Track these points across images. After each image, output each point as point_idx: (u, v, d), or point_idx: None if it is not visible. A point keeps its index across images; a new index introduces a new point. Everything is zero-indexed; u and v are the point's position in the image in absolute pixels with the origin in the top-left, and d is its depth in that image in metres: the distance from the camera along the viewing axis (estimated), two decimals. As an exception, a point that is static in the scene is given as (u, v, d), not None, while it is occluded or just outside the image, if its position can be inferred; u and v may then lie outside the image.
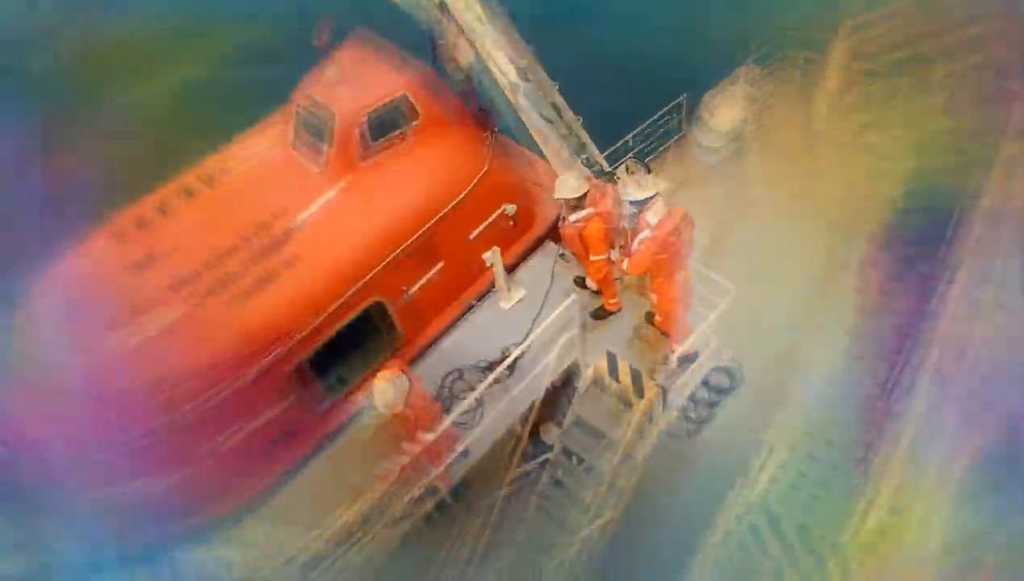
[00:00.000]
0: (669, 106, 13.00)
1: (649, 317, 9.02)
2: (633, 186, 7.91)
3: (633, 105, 13.03)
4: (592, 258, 8.58)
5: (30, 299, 8.03)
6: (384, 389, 6.94)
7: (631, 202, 7.91)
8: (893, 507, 7.40)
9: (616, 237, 8.76)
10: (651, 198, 7.80)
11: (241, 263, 7.87)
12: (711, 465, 9.82)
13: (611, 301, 9.20)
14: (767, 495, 8.55)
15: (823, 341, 11.43)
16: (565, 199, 8.47)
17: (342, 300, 8.06)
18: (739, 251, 12.45)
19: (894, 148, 13.99)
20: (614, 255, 8.82)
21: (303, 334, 7.84)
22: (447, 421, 7.35)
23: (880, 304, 11.76)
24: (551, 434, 8.63)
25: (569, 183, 8.40)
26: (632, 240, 8.01)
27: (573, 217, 8.51)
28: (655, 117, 12.63)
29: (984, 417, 7.96)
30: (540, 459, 8.25)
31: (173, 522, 7.85)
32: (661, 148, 13.57)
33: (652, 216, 7.78)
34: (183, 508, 7.87)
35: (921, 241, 12.23)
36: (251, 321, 7.63)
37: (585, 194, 8.40)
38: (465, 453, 8.01)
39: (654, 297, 8.48)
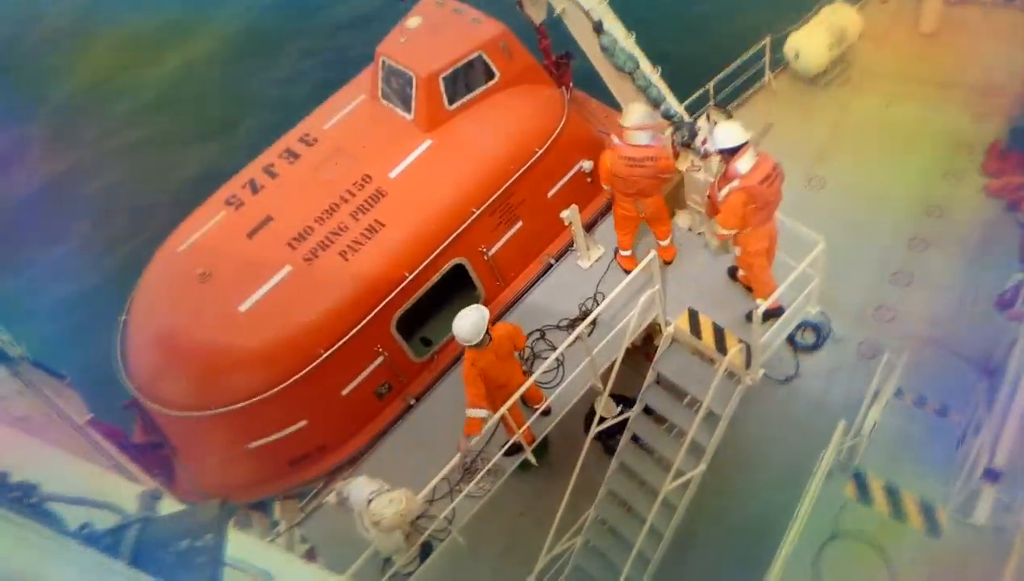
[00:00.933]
0: (751, 51, 12.47)
1: (732, 272, 8.79)
2: (722, 133, 7.40)
3: (712, 51, 12.59)
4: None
5: (153, 272, 8.57)
6: (459, 325, 6.79)
7: (720, 150, 7.42)
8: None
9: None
10: (742, 146, 7.29)
11: (349, 216, 8.25)
12: (798, 423, 9.69)
13: (764, 296, 8.01)
14: (859, 453, 8.35)
15: (918, 294, 11.01)
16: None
17: (431, 257, 8.29)
18: (830, 198, 12.04)
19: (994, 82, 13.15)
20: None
21: (403, 285, 8.14)
22: (529, 380, 7.44)
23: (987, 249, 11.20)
24: (610, 409, 8.54)
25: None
26: (719, 191, 7.59)
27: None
28: (737, 63, 12.16)
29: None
30: (620, 418, 8.25)
31: (298, 473, 8.42)
32: (744, 94, 13.16)
33: (743, 165, 7.29)
34: (305, 459, 8.40)
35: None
36: (359, 272, 8.01)
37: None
38: (547, 412, 8.13)
39: (738, 250, 8.09)
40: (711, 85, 10.87)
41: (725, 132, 7.40)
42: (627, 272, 8.44)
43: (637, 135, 7.82)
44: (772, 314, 8.21)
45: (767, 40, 12.68)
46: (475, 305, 6.95)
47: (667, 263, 8.94)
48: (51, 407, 6.38)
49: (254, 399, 7.73)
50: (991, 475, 6.71)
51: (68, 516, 2.68)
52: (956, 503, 7.43)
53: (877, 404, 8.64)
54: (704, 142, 8.49)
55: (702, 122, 9.15)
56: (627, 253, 8.84)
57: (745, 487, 9.53)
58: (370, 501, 6.42)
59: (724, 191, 7.44)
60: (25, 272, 14.54)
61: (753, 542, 8.03)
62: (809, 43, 13.12)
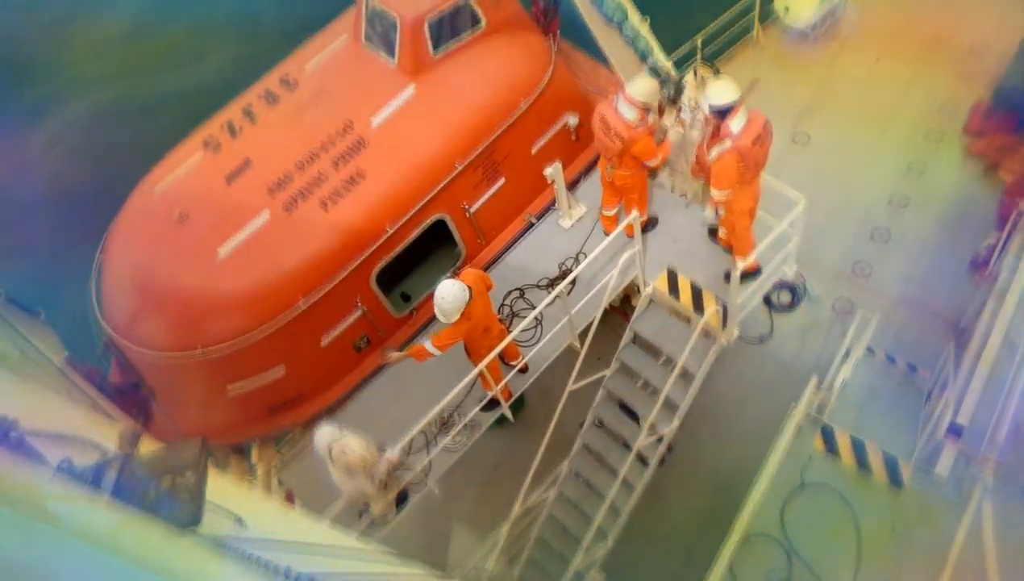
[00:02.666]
0: (740, 4, 12.24)
1: (712, 232, 8.83)
2: (715, 91, 7.16)
3: (701, 4, 12.33)
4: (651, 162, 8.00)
5: (130, 212, 8.43)
6: (446, 293, 6.77)
7: (713, 109, 7.19)
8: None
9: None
10: (734, 104, 7.11)
11: (329, 164, 8.12)
12: (771, 382, 9.91)
13: (746, 258, 7.97)
14: (830, 411, 8.59)
15: (894, 252, 11.16)
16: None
17: (413, 210, 8.22)
18: (813, 155, 12.05)
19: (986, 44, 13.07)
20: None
21: (383, 239, 8.08)
22: (508, 338, 7.51)
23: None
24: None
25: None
26: (708, 151, 7.42)
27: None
28: (726, 16, 11.94)
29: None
30: (597, 376, 8.38)
31: (275, 420, 8.53)
32: (731, 49, 12.96)
33: (735, 124, 7.12)
34: (282, 407, 8.51)
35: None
36: (340, 223, 7.93)
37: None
38: (524, 369, 8.23)
39: (721, 210, 8.03)
40: (699, 39, 10.68)
41: (718, 90, 7.19)
42: (606, 233, 8.45)
43: (624, 105, 7.56)
44: (751, 274, 8.32)
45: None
46: (447, 281, 6.84)
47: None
48: (26, 345, 6.33)
49: (232, 343, 7.75)
50: (954, 430, 6.97)
51: (48, 453, 2.74)
52: (920, 456, 7.71)
53: (848, 362, 8.86)
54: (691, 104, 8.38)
55: (689, 78, 9.05)
56: (608, 212, 8.72)
57: (717, 443, 9.81)
58: (331, 447, 6.52)
59: (714, 152, 7.28)
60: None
61: (723, 494, 8.33)
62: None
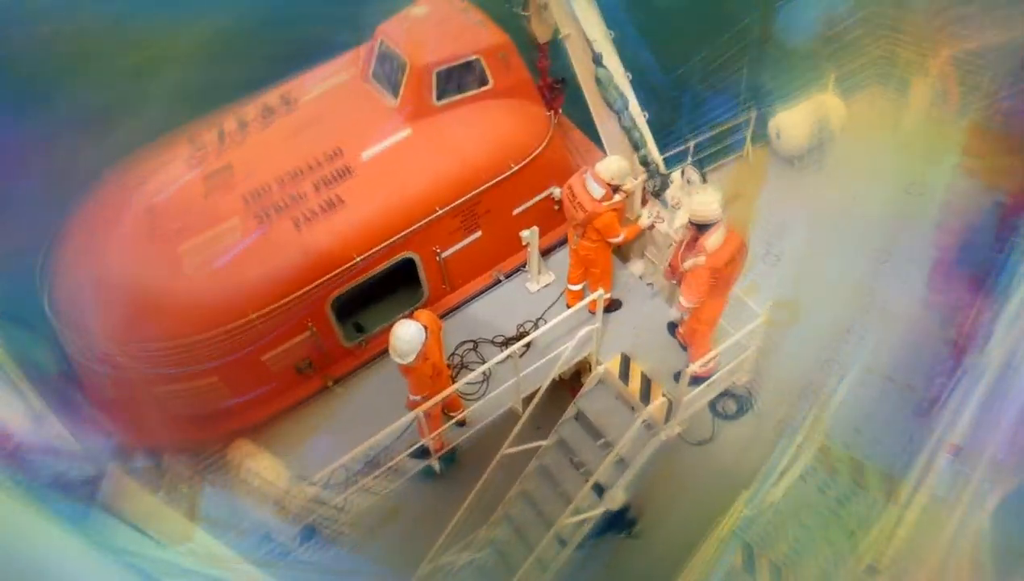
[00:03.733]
0: (736, 120, 12.79)
1: (671, 327, 8.92)
2: (700, 206, 7.22)
3: (700, 114, 12.85)
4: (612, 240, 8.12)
5: (103, 195, 8.32)
6: (402, 336, 6.71)
7: (694, 223, 7.30)
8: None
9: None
10: (715, 224, 7.20)
11: (311, 185, 8.13)
12: (704, 487, 9.83)
13: (701, 361, 7.91)
14: (753, 526, 8.53)
15: (850, 377, 11.31)
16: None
17: (385, 244, 8.20)
18: (782, 275, 12.33)
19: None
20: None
21: (347, 267, 8.02)
22: (452, 388, 7.41)
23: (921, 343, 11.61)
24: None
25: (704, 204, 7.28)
26: (682, 261, 7.51)
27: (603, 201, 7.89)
28: (719, 129, 12.46)
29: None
30: (533, 445, 8.27)
31: (202, 430, 8.22)
32: (720, 160, 13.45)
33: (712, 242, 7.23)
34: (211, 418, 8.24)
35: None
36: (307, 244, 7.87)
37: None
38: (462, 423, 8.10)
39: (686, 314, 8.04)
40: (692, 143, 11.06)
41: (702, 205, 7.23)
42: (568, 306, 8.50)
43: (592, 181, 7.80)
44: (702, 379, 8.35)
45: (752, 114, 13.02)
46: (405, 322, 6.81)
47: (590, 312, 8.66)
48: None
49: (173, 343, 7.54)
50: (871, 570, 6.96)
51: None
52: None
53: (781, 483, 8.85)
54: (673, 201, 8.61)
55: (675, 177, 9.30)
56: (573, 287, 8.74)
57: (642, 539, 9.63)
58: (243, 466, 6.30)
59: (689, 262, 7.37)
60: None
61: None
62: (792, 125, 13.50)
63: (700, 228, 7.28)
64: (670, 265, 7.86)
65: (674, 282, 8.11)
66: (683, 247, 7.62)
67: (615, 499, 8.03)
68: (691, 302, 7.49)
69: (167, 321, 7.62)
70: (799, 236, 13.12)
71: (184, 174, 8.28)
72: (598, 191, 7.76)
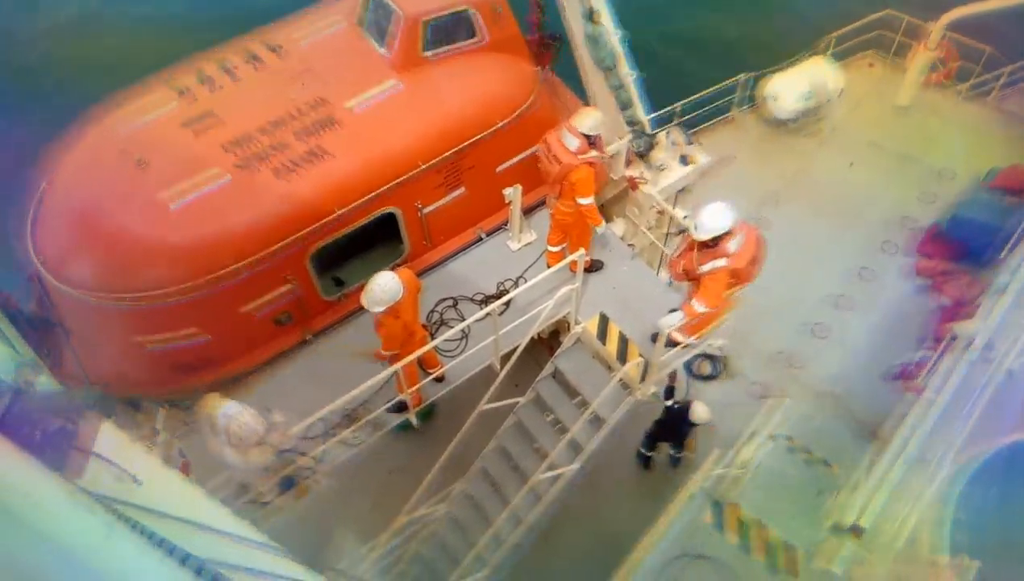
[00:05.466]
0: (726, 82, 12.65)
1: (653, 338, 8.74)
2: (711, 218, 6.89)
3: (694, 76, 12.71)
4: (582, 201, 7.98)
5: (81, 141, 8.21)
6: (377, 283, 6.74)
7: (703, 241, 7.00)
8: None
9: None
10: (727, 233, 6.95)
11: (294, 134, 8.02)
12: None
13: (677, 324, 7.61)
14: (726, 486, 8.71)
15: (830, 350, 11.45)
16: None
17: (367, 198, 8.14)
18: (770, 242, 12.34)
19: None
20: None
21: (328, 220, 7.96)
22: (431, 344, 7.46)
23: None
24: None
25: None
26: (700, 265, 7.20)
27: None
28: (707, 92, 12.34)
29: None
30: (510, 401, 8.37)
31: (182, 379, 8.26)
32: (707, 122, 13.36)
33: (732, 244, 6.98)
34: (191, 367, 8.27)
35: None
36: (288, 195, 7.78)
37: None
38: (440, 379, 8.19)
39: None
40: (679, 105, 10.96)
41: (713, 216, 6.90)
42: (548, 267, 8.51)
43: (568, 135, 7.67)
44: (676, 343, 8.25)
45: (741, 77, 12.89)
46: (385, 272, 6.84)
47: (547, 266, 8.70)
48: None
49: (152, 293, 7.54)
50: (855, 530, 7.11)
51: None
52: (815, 550, 7.83)
53: (750, 444, 9.01)
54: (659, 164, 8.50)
55: (661, 137, 9.24)
56: (553, 248, 8.66)
57: (615, 496, 9.84)
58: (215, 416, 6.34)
59: (708, 266, 7.10)
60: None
61: (612, 547, 8.34)
62: (784, 88, 13.36)
63: (715, 241, 6.99)
64: (684, 269, 7.49)
65: (682, 282, 7.89)
66: (695, 249, 7.28)
67: None
68: (710, 306, 7.27)
69: (147, 269, 7.58)
70: (789, 204, 13.12)
71: (166, 119, 8.13)
72: (573, 143, 7.64)
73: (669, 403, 8.98)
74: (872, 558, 7.20)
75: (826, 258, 12.46)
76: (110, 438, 3.04)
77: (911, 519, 7.34)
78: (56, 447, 2.71)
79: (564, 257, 8.35)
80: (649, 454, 10.02)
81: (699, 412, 8.86)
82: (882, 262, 12.54)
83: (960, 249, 12.57)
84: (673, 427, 9.34)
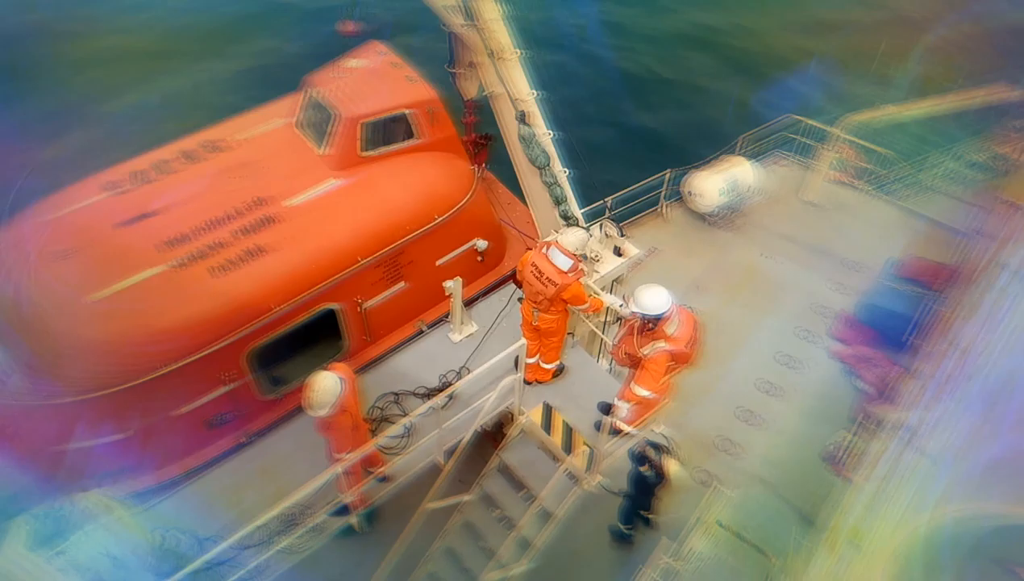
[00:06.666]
0: (653, 177, 13.39)
1: (603, 408, 8.86)
2: (650, 300, 7.18)
3: (621, 173, 13.41)
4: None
5: (9, 237, 7.92)
6: (318, 387, 6.65)
7: (645, 317, 7.25)
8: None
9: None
10: (668, 312, 7.22)
11: (231, 233, 7.95)
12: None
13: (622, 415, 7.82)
14: (675, 576, 8.61)
15: (760, 435, 11.72)
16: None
17: (306, 295, 8.07)
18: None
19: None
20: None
21: (266, 319, 7.82)
22: (373, 442, 7.27)
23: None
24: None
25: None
26: (640, 348, 7.43)
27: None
28: (636, 186, 13.02)
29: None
30: (456, 499, 8.16)
31: (111, 481, 7.70)
32: (636, 216, 14.02)
33: (670, 327, 7.25)
34: (123, 469, 7.77)
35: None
36: (224, 293, 7.63)
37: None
38: (384, 478, 7.94)
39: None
40: (610, 200, 11.47)
41: (652, 298, 7.20)
42: (526, 382, 8.55)
43: (559, 255, 7.85)
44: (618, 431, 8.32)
45: (668, 173, 13.69)
46: (322, 372, 6.78)
47: (537, 383, 8.90)
48: None
49: (77, 396, 7.15)
50: None
51: None
52: None
53: (697, 529, 9.00)
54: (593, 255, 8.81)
55: (595, 230, 9.59)
56: (529, 360, 8.68)
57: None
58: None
59: (648, 349, 7.34)
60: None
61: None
62: (705, 185, 14.22)
63: (655, 321, 7.27)
64: (626, 353, 7.70)
65: (627, 367, 8.00)
66: (635, 334, 7.54)
67: None
68: (651, 390, 7.42)
69: (75, 373, 7.23)
70: (712, 293, 13.70)
71: (101, 218, 7.97)
72: (566, 263, 7.83)
73: (644, 469, 8.86)
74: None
75: (749, 344, 12.95)
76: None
77: None
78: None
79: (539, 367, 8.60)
80: (629, 532, 9.85)
81: (674, 470, 8.79)
82: (803, 348, 13.11)
83: (872, 335, 13.32)
84: (646, 491, 9.25)
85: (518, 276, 8.32)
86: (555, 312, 8.16)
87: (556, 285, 7.82)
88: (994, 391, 9.11)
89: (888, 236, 14.95)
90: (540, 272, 7.90)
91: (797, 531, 9.32)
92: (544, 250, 7.98)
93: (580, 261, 8.04)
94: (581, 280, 8.10)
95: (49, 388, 7.22)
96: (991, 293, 10.28)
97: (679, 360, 7.43)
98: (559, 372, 9.05)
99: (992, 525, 8.02)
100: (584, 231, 8.34)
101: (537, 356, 8.73)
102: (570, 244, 7.97)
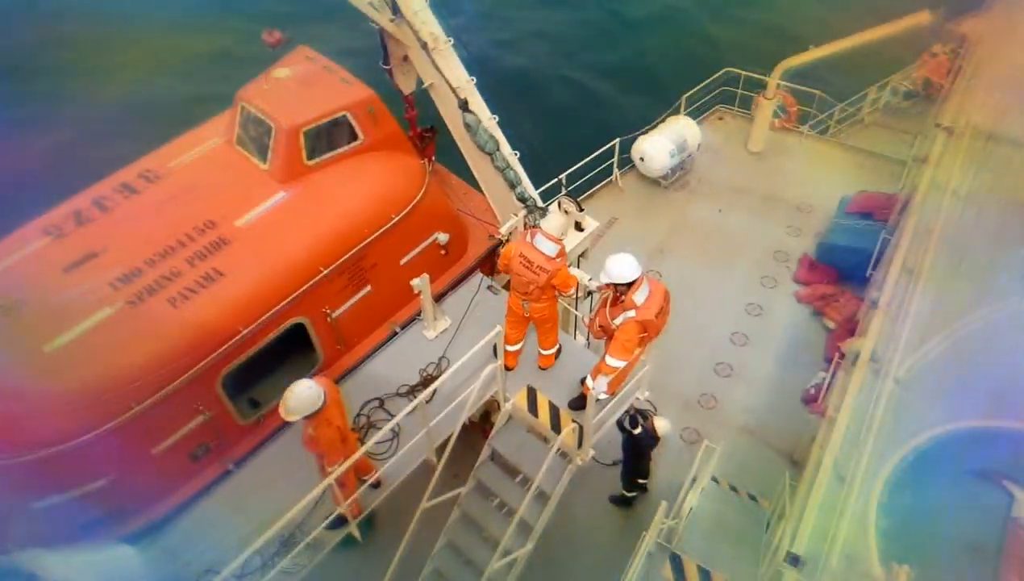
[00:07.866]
0: (602, 149, 13.42)
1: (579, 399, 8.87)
2: (617, 267, 7.31)
3: (570, 146, 13.41)
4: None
5: None
6: (292, 390, 6.65)
7: (616, 285, 7.40)
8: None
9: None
10: (637, 279, 7.36)
11: (184, 261, 7.73)
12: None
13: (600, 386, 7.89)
14: (678, 538, 8.72)
15: (736, 386, 11.94)
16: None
17: (272, 312, 7.89)
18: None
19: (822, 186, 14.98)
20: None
21: (235, 341, 7.64)
22: (362, 450, 7.19)
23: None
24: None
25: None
26: (612, 319, 7.53)
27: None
28: (588, 159, 13.04)
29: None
30: (452, 494, 8.14)
31: (94, 529, 7.50)
32: (592, 188, 14.06)
33: (639, 296, 7.36)
34: (105, 516, 7.54)
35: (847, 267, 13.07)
36: (188, 323, 7.42)
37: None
38: (376, 484, 7.87)
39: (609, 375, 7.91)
40: (563, 176, 11.49)
41: (619, 266, 7.32)
42: (508, 368, 8.46)
43: (545, 242, 7.85)
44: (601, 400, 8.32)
45: (616, 142, 13.73)
46: (303, 379, 6.72)
47: (541, 369, 9.04)
48: None
49: (48, 451, 6.90)
50: (793, 560, 7.23)
51: None
52: None
53: (695, 489, 9.14)
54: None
55: (553, 208, 9.59)
56: (512, 348, 8.74)
57: (572, 564, 9.65)
58: None
59: (619, 319, 7.45)
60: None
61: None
62: (653, 148, 14.31)
63: (620, 286, 7.40)
64: (600, 325, 7.84)
65: (603, 339, 8.11)
66: (607, 306, 7.67)
67: None
68: (624, 359, 7.53)
69: (41, 428, 6.97)
70: (675, 255, 13.86)
71: (43, 266, 7.69)
72: (552, 248, 7.84)
73: (636, 431, 8.93)
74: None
75: (717, 300, 13.15)
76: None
77: (839, 538, 7.57)
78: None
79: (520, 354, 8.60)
80: (632, 494, 9.96)
81: (662, 426, 9.00)
82: (769, 296, 13.36)
83: (833, 273, 13.63)
84: (641, 454, 9.36)
85: (503, 269, 8.30)
86: (545, 300, 8.19)
87: (548, 272, 7.83)
88: (950, 311, 9.40)
89: (836, 176, 15.28)
90: (529, 262, 7.89)
91: (787, 474, 9.56)
92: (529, 239, 7.98)
93: (563, 244, 8.04)
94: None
95: (16, 447, 6.95)
96: (934, 217, 10.59)
97: (649, 330, 7.53)
98: (559, 352, 9.15)
99: (971, 439, 8.29)
100: (559, 212, 8.30)
101: (519, 344, 8.75)
102: (554, 228, 7.96)
